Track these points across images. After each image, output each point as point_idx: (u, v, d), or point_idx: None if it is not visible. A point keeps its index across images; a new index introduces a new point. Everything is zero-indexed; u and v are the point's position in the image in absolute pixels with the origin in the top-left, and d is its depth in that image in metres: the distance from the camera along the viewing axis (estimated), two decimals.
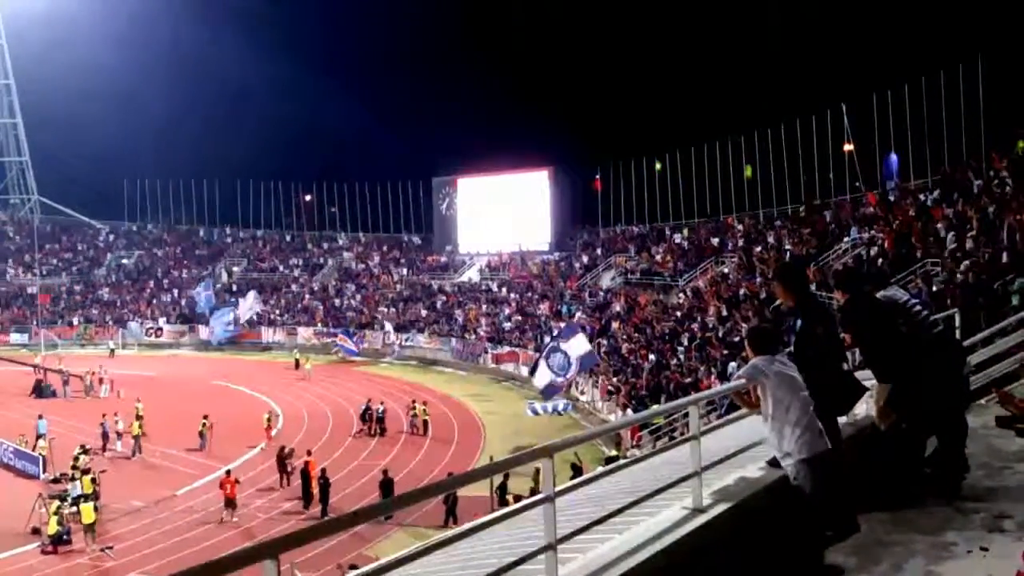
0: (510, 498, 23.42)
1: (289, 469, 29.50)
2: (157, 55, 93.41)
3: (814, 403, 5.74)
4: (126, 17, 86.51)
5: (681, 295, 44.30)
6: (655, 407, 25.84)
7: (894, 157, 43.64)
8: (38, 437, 33.33)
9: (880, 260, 30.69)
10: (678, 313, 41.35)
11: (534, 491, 23.26)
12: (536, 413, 33.87)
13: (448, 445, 34.64)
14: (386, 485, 26.34)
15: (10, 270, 79.18)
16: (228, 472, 27.75)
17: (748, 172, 53.49)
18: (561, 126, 76.78)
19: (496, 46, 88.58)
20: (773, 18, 67.27)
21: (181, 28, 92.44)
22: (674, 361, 35.40)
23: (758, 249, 42.57)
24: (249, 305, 62.21)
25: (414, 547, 4.15)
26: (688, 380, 31.81)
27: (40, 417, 35.35)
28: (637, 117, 71.99)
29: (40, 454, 31.10)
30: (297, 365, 53.88)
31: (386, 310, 63.17)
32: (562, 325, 41.77)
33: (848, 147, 46.95)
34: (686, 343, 36.43)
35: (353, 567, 17.13)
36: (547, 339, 39.22)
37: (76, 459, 29.04)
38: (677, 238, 53.83)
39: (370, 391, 42.63)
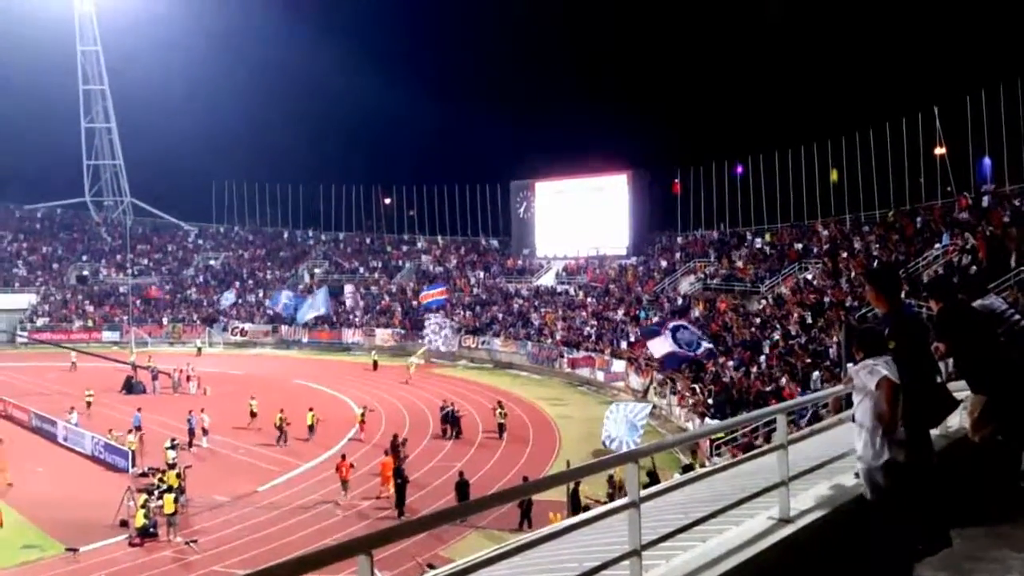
0: (585, 503, 23.32)
1: (403, 456, 30.70)
2: (244, 62, 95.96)
3: (906, 416, 5.58)
4: (214, 25, 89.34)
5: (763, 301, 43.58)
6: (734, 417, 25.52)
7: (987, 161, 42.18)
8: (136, 429, 34.64)
9: (972, 267, 29.76)
10: (758, 320, 40.68)
11: (611, 496, 23.15)
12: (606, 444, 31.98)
13: (523, 448, 34.68)
14: (462, 487, 26.46)
15: (103, 270, 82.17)
16: (343, 456, 29.71)
17: (834, 176, 52.36)
18: (640, 129, 76.39)
19: (575, 50, 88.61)
20: (862, 19, 65.81)
21: (267, 35, 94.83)
22: (754, 369, 34.82)
23: (844, 255, 41.64)
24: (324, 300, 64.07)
25: (496, 549, 4.17)
26: (769, 388, 31.24)
27: (138, 410, 36.97)
28: (718, 120, 71.20)
29: (129, 448, 32.08)
30: (375, 366, 54.77)
31: (461, 312, 63.67)
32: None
33: (940, 151, 45.60)
34: (767, 351, 35.81)
35: (431, 566, 17.26)
36: (666, 320, 38.89)
37: (168, 455, 30.03)
38: (758, 243, 52.99)
39: (446, 393, 42.99)
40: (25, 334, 69.98)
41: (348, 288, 71.15)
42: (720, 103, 73.58)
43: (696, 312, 46.58)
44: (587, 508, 20.79)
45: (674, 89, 79.39)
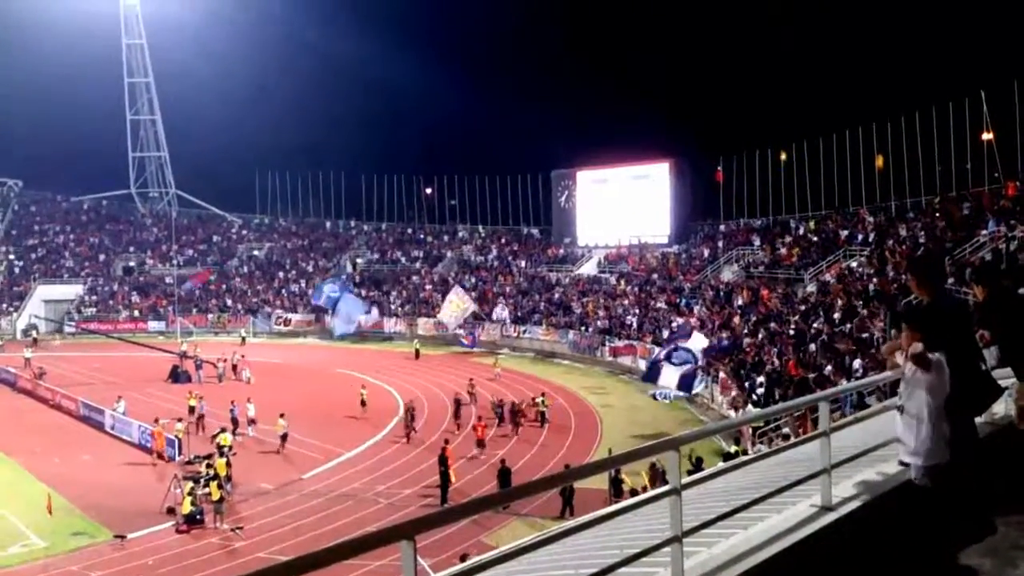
0: (625, 490, 23.33)
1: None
2: (287, 55, 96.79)
3: (950, 403, 5.56)
4: (257, 17, 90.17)
5: (807, 289, 43.11)
6: (776, 405, 25.31)
7: None
8: (233, 422, 34.95)
9: (1020, 255, 29.22)
10: (802, 307, 40.24)
11: (652, 484, 23.11)
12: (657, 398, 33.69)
13: (565, 437, 34.69)
14: (504, 475, 26.56)
15: (148, 261, 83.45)
16: (479, 418, 34.11)
17: (879, 162, 51.53)
18: (683, 117, 75.86)
19: (617, 38, 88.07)
20: (908, 1, 64.61)
21: (309, 27, 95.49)
22: (797, 357, 34.46)
23: (890, 242, 41.04)
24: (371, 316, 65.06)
25: (537, 536, 4.20)
26: (811, 376, 30.93)
27: (233, 403, 36.33)
28: (761, 106, 70.42)
29: (176, 436, 32.50)
30: (417, 355, 55.09)
31: (503, 300, 63.65)
32: (674, 326, 41.27)
33: (987, 136, 44.69)
34: (811, 338, 35.44)
35: (464, 557, 17.33)
36: (661, 348, 38.33)
37: (216, 441, 30.48)
38: (802, 230, 52.38)
39: (488, 383, 43.05)
40: (73, 324, 71.41)
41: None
42: (763, 90, 72.77)
43: (740, 300, 46.17)
44: (634, 494, 20.80)
45: (717, 76, 78.66)
